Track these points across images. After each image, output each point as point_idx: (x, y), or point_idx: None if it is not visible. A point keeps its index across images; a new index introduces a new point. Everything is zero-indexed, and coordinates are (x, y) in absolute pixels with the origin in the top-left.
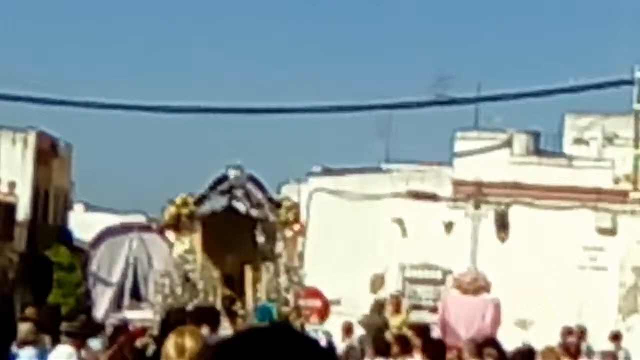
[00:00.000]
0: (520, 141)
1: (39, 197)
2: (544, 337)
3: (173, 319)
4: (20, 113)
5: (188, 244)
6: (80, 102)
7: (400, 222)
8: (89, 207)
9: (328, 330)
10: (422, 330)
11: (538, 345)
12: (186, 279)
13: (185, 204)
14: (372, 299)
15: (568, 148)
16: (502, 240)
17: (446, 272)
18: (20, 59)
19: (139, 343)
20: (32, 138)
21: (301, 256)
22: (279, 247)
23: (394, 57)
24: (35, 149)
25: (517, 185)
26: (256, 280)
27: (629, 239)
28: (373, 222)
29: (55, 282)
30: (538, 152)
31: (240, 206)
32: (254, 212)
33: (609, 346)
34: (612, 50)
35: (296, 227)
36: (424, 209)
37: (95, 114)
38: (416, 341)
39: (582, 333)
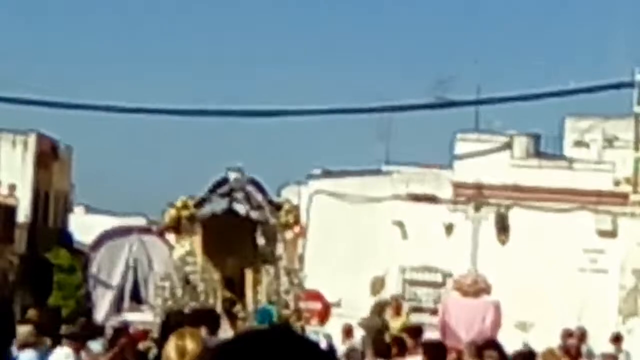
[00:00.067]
0: (521, 143)
1: (40, 199)
2: (545, 339)
3: (173, 322)
4: (20, 115)
5: (188, 247)
6: (81, 105)
7: (400, 224)
8: (89, 210)
9: (329, 333)
10: (415, 331)
11: (538, 348)
12: (186, 281)
13: (185, 206)
14: (373, 301)
15: (568, 150)
16: (503, 242)
17: (446, 275)
18: (21, 62)
19: (141, 346)
20: (32, 140)
21: (301, 258)
22: (279, 249)
23: (394, 60)
24: (36, 152)
25: (517, 188)
26: (256, 283)
27: (629, 242)
28: (373, 225)
29: (55, 284)
30: (538, 154)
31: (241, 209)
32: (254, 215)
33: (609, 348)
34: (612, 53)
35: (296, 229)
36: (424, 212)
37: (95, 116)
38: (410, 342)
39: (582, 335)
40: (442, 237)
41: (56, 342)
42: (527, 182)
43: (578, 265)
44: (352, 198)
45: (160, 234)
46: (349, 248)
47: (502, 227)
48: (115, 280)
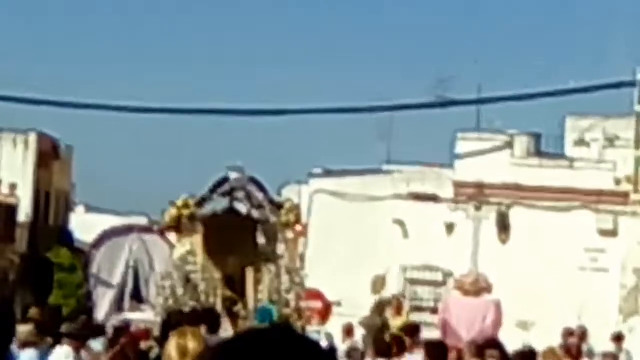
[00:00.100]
0: (522, 143)
1: (40, 198)
2: (545, 339)
3: (174, 321)
4: (21, 115)
5: (189, 246)
6: (81, 104)
7: (401, 223)
8: (90, 209)
9: (330, 332)
10: (412, 329)
11: (539, 347)
12: (187, 280)
13: (186, 205)
14: (373, 300)
15: (569, 150)
16: (503, 241)
17: (447, 274)
18: (21, 62)
19: (143, 346)
20: (33, 140)
21: (302, 258)
22: (280, 248)
23: (395, 59)
24: (37, 151)
25: (518, 187)
26: (257, 282)
27: (630, 241)
28: (374, 224)
29: (56, 283)
30: (539, 153)
31: (242, 208)
32: (255, 214)
33: (610, 347)
34: (613, 52)
35: (297, 228)
36: (425, 211)
37: (96, 115)
38: (407, 341)
39: (583, 334)
40: (443, 236)
41: (57, 341)
42: (528, 181)
43: (579, 265)
44: (353, 197)
45: (161, 233)
46: (350, 247)
47: (503, 226)
48: (116, 279)
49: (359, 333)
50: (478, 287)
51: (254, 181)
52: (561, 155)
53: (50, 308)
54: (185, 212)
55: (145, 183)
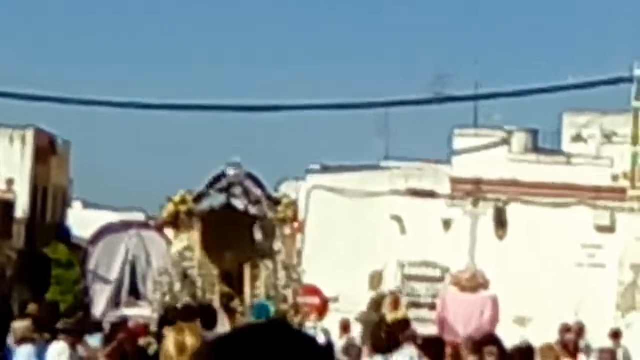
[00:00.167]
0: (519, 139)
1: (37, 194)
2: (542, 334)
3: (171, 316)
4: (18, 110)
5: (186, 241)
6: (79, 100)
7: (398, 219)
8: (87, 205)
9: (327, 328)
10: (402, 324)
11: (536, 342)
12: (184, 276)
13: (183, 201)
14: (370, 296)
15: (566, 146)
16: (501, 237)
17: (444, 269)
18: (21, 62)
19: (142, 342)
20: (30, 135)
21: (299, 253)
22: (277, 244)
23: (392, 55)
24: (34, 147)
25: (515, 183)
26: (254, 278)
27: (627, 237)
28: (371, 220)
29: (53, 279)
30: (536, 149)
31: (239, 203)
32: (252, 210)
33: (607, 343)
34: (610, 48)
35: (294, 224)
36: (422, 207)
37: (93, 111)
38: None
39: (580, 330)
40: (440, 232)
41: (55, 336)
42: (525, 177)
43: (576, 260)
44: (351, 193)
45: (158, 229)
46: (347, 243)
47: (500, 222)
48: (113, 275)
49: (356, 329)
50: (475, 283)
51: (251, 177)
52: (558, 151)
53: (48, 304)
54: (183, 207)
55: (142, 179)
